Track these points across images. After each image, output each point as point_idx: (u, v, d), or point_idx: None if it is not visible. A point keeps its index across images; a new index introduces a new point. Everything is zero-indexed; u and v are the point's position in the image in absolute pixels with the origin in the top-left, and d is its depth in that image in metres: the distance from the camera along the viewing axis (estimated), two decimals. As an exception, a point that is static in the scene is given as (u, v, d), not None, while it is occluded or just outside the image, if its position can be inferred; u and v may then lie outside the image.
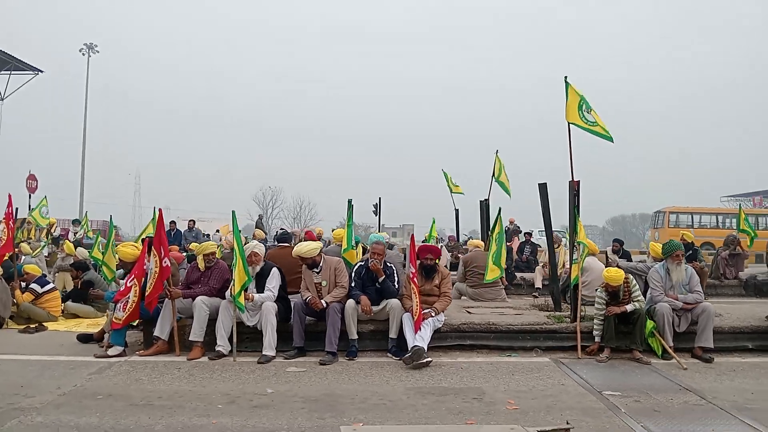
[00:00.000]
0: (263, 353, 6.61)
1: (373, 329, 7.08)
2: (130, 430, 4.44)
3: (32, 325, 8.24)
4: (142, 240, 7.61)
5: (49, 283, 8.94)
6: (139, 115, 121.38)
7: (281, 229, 24.07)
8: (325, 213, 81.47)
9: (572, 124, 7.55)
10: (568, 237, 14.10)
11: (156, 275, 6.66)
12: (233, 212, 6.82)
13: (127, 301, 6.76)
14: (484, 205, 13.06)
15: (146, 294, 6.71)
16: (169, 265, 6.74)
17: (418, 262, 7.05)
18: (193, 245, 13.48)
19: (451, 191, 15.84)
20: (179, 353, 6.82)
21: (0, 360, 6.56)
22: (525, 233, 17.70)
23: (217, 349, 6.71)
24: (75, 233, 18.59)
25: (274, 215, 79.27)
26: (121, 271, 10.92)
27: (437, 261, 7.22)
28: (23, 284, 9.01)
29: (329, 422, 4.67)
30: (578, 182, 7.69)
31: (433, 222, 14.24)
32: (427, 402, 5.23)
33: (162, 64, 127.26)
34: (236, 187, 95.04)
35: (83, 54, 46.13)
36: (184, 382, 5.77)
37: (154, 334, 6.88)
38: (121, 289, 6.88)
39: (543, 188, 8.34)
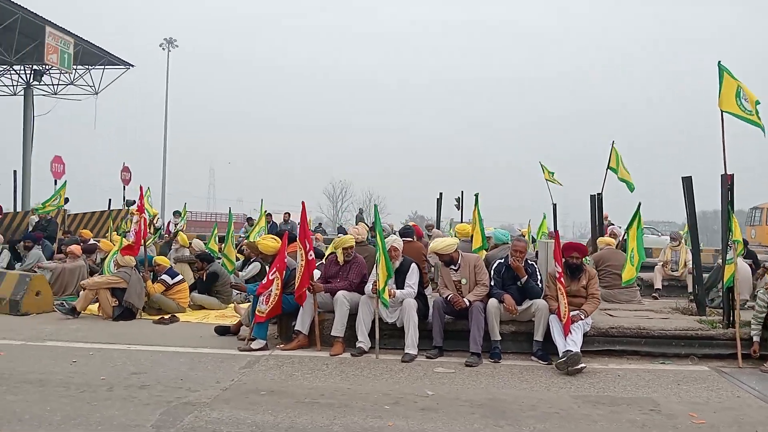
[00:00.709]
0: (406, 351, 6.47)
1: (515, 330, 6.81)
2: (308, 430, 4.36)
3: (166, 316, 8.42)
4: (276, 233, 7.60)
5: (178, 274, 9.12)
6: (210, 111, 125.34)
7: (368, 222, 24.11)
8: (394, 206, 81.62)
9: (727, 112, 7.04)
10: (685, 233, 13.36)
11: (303, 268, 6.62)
12: (375, 206, 6.69)
13: (270, 294, 6.77)
14: (596, 200, 12.52)
15: (295, 287, 6.68)
16: (314, 258, 6.69)
17: (563, 260, 6.72)
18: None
19: (552, 182, 15.29)
20: (320, 348, 6.77)
21: (150, 351, 6.68)
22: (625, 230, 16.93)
23: (358, 345, 6.62)
24: (176, 224, 19.12)
25: (344, 208, 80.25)
26: (240, 262, 11.14)
27: (583, 260, 6.87)
28: (151, 275, 9.25)
29: (507, 430, 4.46)
30: (732, 176, 7.15)
31: (544, 217, 13.76)
32: (602, 413, 4.92)
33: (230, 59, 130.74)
34: (306, 179, 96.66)
35: (163, 49, 47.84)
36: (338, 380, 5.69)
37: (295, 328, 6.85)
38: (264, 282, 6.88)
39: (688, 182, 7.82)
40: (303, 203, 6.87)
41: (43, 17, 25.83)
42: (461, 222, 28.10)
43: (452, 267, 6.90)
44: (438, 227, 24.64)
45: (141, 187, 9.04)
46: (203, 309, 9.29)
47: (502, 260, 6.97)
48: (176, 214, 19.61)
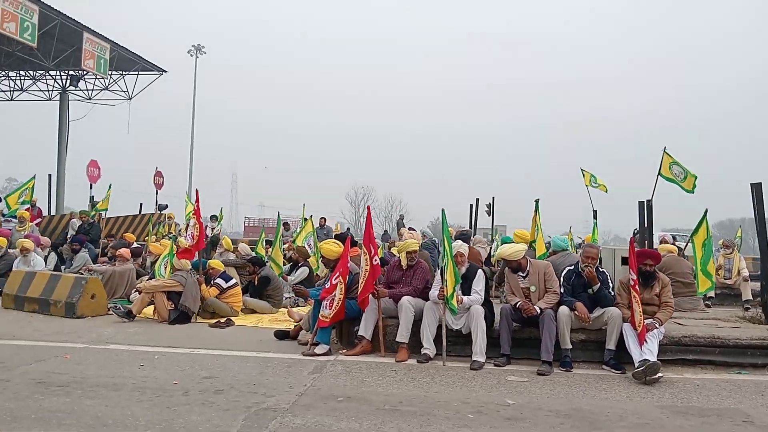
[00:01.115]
0: (474, 359, 6.33)
1: (584, 339, 6.64)
2: (397, 439, 4.25)
3: (221, 320, 8.38)
4: (337, 236, 7.52)
5: (231, 278, 9.09)
6: (232, 117, 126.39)
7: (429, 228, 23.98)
8: (416, 212, 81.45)
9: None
10: (738, 239, 13.03)
11: (367, 273, 6.53)
12: (443, 210, 6.56)
13: (333, 299, 6.69)
14: (646, 206, 12.28)
15: (359, 292, 6.61)
16: (379, 263, 6.60)
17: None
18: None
19: (595, 187, 15.12)
20: (384, 354, 6.66)
21: (214, 355, 6.63)
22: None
23: (423, 351, 6.51)
24: (212, 229, 19.19)
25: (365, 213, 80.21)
26: (288, 267, 11.10)
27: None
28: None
29: (602, 442, 4.31)
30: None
31: (595, 225, 13.53)
32: (693, 423, 4.75)
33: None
34: (327, 184, 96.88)
35: (191, 55, 48.23)
36: (411, 387, 5.57)
37: (359, 333, 6.77)
38: (327, 286, 6.80)
39: (757, 189, 7.59)
40: (368, 207, 6.80)
41: (82, 23, 26.23)
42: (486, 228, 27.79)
43: (520, 274, 6.76)
44: (475, 234, 24.44)
45: (197, 191, 9.02)
46: (255, 313, 9.25)
47: (572, 267, 6.81)
48: (213, 218, 19.70)
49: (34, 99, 34.31)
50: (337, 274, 6.78)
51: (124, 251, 10.52)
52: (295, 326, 7.55)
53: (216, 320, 8.37)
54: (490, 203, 30.07)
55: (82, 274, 10.45)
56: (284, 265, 11.02)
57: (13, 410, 4.55)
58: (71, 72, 30.39)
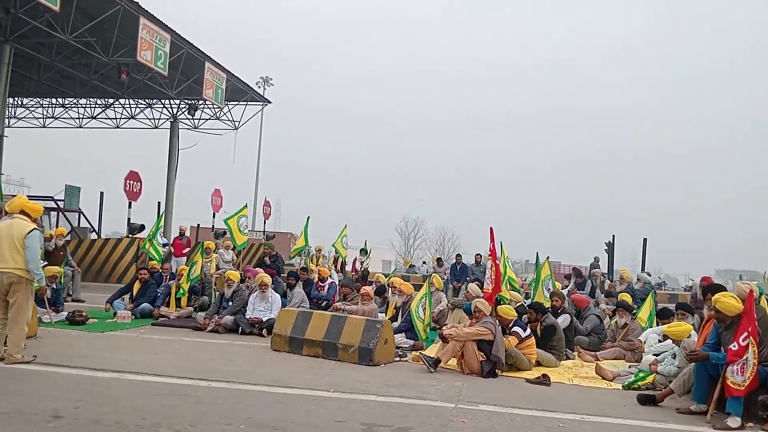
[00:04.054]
0: None
1: None
2: None
3: (540, 376, 7.52)
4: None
5: (526, 328, 8.25)
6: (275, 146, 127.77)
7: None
8: (468, 245, 79.64)
9: None
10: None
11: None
12: None
13: (746, 364, 5.81)
14: None
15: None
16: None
17: None
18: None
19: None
20: (805, 435, 5.71)
21: (615, 425, 5.77)
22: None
23: None
24: (362, 263, 18.58)
25: (416, 246, 79.03)
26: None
27: None
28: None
29: None
30: None
31: None
32: None
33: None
34: (379, 216, 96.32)
35: (259, 86, 48.33)
36: None
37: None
38: (735, 348, 5.92)
39: None
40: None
41: (205, 53, 26.33)
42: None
43: None
44: (612, 276, 23.28)
45: (491, 229, 8.31)
46: (540, 365, 8.37)
47: None
48: (362, 252, 19.08)
49: (140, 127, 34.61)
50: (745, 333, 5.91)
51: (369, 289, 9.85)
52: (664, 390, 6.64)
53: (536, 377, 7.50)
54: (609, 242, 29.03)
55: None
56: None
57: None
58: (187, 101, 30.55)
